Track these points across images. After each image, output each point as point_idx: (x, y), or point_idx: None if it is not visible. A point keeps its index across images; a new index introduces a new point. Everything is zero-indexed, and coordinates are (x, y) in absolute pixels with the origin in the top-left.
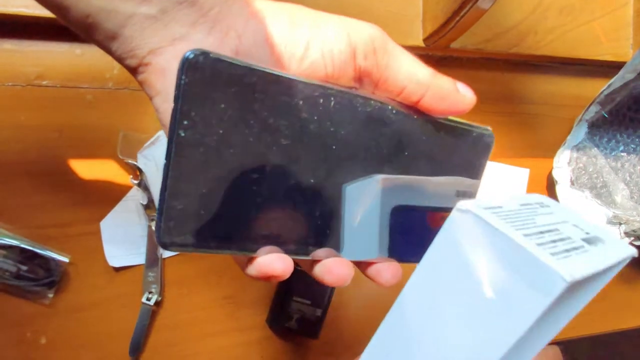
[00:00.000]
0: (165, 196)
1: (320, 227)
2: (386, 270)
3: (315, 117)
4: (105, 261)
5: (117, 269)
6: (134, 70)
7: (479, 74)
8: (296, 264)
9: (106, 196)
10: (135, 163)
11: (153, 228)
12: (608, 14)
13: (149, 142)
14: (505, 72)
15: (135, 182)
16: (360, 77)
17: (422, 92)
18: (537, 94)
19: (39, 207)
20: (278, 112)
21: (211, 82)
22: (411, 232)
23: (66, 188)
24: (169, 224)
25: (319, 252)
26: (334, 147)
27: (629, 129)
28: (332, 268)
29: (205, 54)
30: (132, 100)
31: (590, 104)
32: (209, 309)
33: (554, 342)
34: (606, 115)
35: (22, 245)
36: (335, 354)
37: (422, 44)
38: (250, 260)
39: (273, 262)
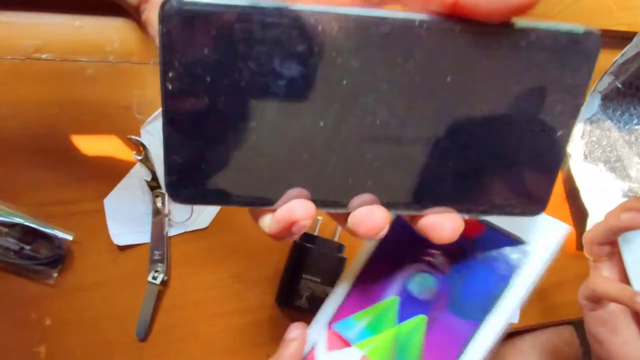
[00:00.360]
0: (165, 150)
1: (349, 173)
2: (446, 223)
3: (315, 49)
4: (109, 239)
5: (122, 248)
6: (136, 11)
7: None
8: (309, 237)
9: (109, 173)
10: (139, 139)
11: (158, 205)
12: None
13: (152, 117)
14: None
15: (139, 157)
16: None
17: None
18: None
19: (41, 185)
20: (270, 49)
21: (191, 28)
22: (479, 177)
23: (68, 165)
24: (172, 178)
25: (353, 203)
26: (344, 82)
27: None
28: (363, 218)
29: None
30: (133, 74)
31: (603, 74)
32: (217, 288)
33: (566, 322)
34: (620, 86)
35: (25, 223)
36: None
37: None
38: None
39: (293, 208)
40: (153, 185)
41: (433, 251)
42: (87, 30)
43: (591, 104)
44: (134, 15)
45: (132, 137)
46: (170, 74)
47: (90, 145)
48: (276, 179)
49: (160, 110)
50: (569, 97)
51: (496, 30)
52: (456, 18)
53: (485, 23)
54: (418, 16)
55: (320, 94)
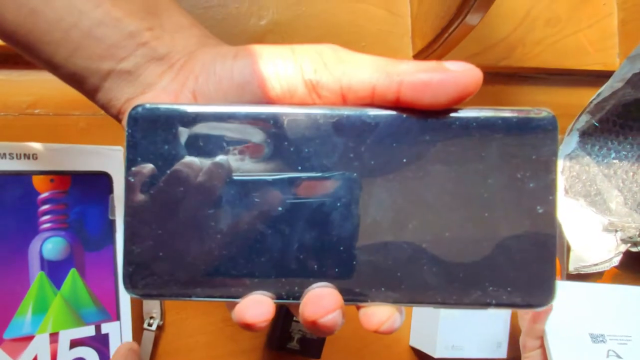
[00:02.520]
0: (124, 242)
1: (305, 262)
2: (375, 314)
3: (270, 143)
4: None
5: None
6: (116, 117)
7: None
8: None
9: None
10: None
11: None
12: (594, 24)
13: None
14: (495, 84)
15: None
16: (316, 91)
17: (397, 85)
18: (527, 104)
19: None
20: (225, 144)
21: (151, 129)
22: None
23: None
24: (129, 269)
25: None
26: (299, 167)
27: (619, 135)
28: (313, 300)
29: (142, 105)
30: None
31: (581, 114)
32: (210, 332)
33: None
34: (597, 125)
35: None
36: None
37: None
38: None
39: (246, 308)
40: None
41: (44, 217)
42: None
43: (570, 141)
44: (115, 120)
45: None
46: (133, 168)
47: None
48: (236, 273)
49: None
50: (540, 172)
51: (443, 117)
52: (402, 108)
53: (430, 112)
54: (362, 108)
55: (277, 183)
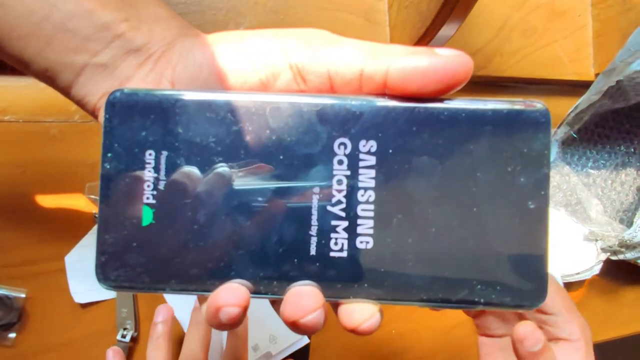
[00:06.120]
0: (98, 230)
1: (285, 257)
2: (356, 311)
3: (250, 128)
4: (72, 298)
5: (84, 306)
6: (92, 114)
7: (447, 97)
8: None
9: (73, 231)
10: (96, 197)
11: None
12: (569, 36)
13: None
14: (473, 93)
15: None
16: (301, 75)
17: (385, 68)
18: None
19: (3, 246)
20: (205, 132)
21: (129, 114)
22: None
23: (31, 225)
24: (101, 259)
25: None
26: (281, 157)
27: (597, 145)
28: (293, 300)
29: (121, 90)
30: (98, 133)
31: (559, 126)
32: None
33: None
34: (575, 136)
35: None
36: None
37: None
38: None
39: (218, 293)
40: None
41: None
42: (52, 91)
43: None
44: (92, 116)
45: (92, 196)
46: (109, 155)
47: (54, 204)
48: (212, 266)
49: None
50: (531, 166)
51: (431, 108)
52: (389, 97)
53: (418, 102)
54: (344, 95)
55: (258, 174)
